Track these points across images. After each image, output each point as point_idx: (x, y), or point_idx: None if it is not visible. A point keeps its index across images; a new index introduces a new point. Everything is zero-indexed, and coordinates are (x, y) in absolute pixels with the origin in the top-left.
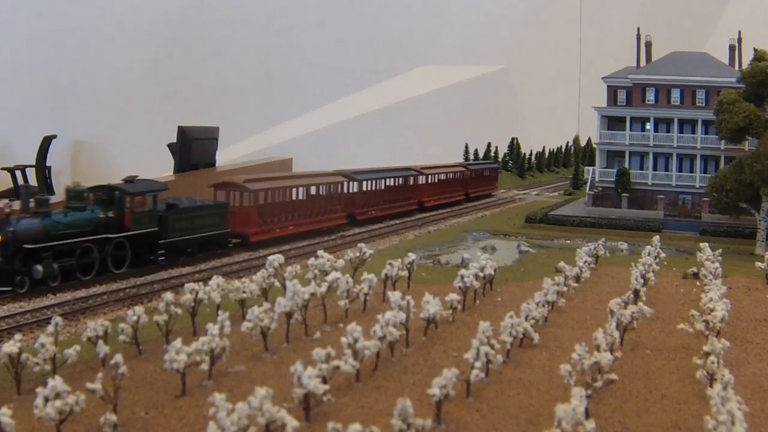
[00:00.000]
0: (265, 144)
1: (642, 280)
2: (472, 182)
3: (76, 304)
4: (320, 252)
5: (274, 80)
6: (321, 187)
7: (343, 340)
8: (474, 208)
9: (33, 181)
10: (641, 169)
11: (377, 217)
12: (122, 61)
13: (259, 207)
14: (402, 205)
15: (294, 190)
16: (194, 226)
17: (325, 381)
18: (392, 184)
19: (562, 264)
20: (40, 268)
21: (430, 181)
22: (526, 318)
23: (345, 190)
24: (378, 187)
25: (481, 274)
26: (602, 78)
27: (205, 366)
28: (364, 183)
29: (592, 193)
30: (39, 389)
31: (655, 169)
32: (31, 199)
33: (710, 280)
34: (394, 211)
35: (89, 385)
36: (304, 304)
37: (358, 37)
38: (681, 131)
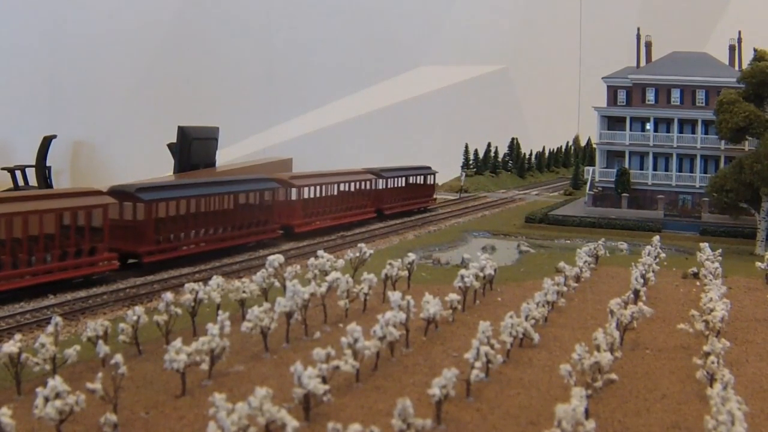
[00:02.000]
0: (265, 144)
1: (642, 280)
2: (389, 195)
3: (76, 304)
4: (320, 252)
5: (274, 80)
6: (66, 214)
7: (343, 340)
8: (474, 209)
9: (33, 181)
10: (641, 169)
11: (206, 252)
12: (122, 61)
13: None
14: (254, 232)
15: (5, 220)
16: None
17: (325, 381)
18: (243, 201)
19: (562, 264)
20: None
21: (308, 195)
22: (526, 318)
23: (129, 217)
24: (205, 208)
25: (481, 274)
26: (602, 78)
27: (205, 366)
28: (171, 204)
29: (592, 193)
30: (39, 389)
31: (655, 169)
32: None
33: (710, 280)
34: (240, 242)
35: (89, 385)
36: (304, 304)
37: (359, 37)
38: (681, 131)
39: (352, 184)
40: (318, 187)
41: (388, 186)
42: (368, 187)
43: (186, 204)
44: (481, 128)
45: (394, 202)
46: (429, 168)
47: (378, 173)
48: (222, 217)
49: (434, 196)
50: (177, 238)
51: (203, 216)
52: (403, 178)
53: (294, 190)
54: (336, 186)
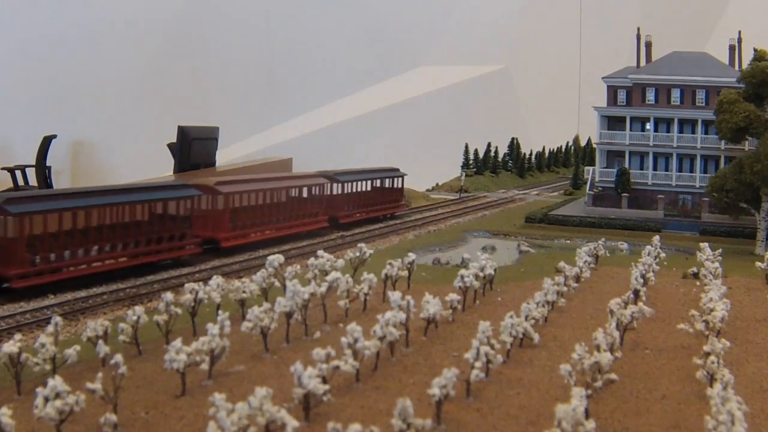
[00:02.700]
0: (265, 144)
1: (642, 280)
2: (345, 201)
3: (76, 304)
4: (320, 252)
5: (274, 80)
6: None
7: (343, 340)
8: (474, 209)
9: (33, 181)
10: (641, 169)
11: (101, 274)
12: (122, 60)
13: None
14: (167, 248)
15: None
16: None
17: (325, 381)
18: (153, 212)
19: (562, 264)
20: None
21: (237, 203)
22: (526, 318)
23: None
24: (98, 221)
25: (481, 274)
26: (602, 78)
27: (205, 366)
28: (51, 217)
29: (592, 193)
30: (39, 389)
31: (655, 169)
32: None
33: (710, 280)
34: (146, 260)
35: (89, 385)
36: (304, 304)
37: (359, 37)
38: (681, 131)
39: (298, 189)
40: (252, 194)
41: (345, 191)
42: (319, 192)
43: (71, 217)
44: (481, 128)
45: (351, 209)
46: (396, 170)
47: (331, 176)
48: (122, 232)
49: (403, 201)
50: (60, 258)
51: (96, 231)
52: (364, 182)
53: (220, 198)
54: (275, 192)
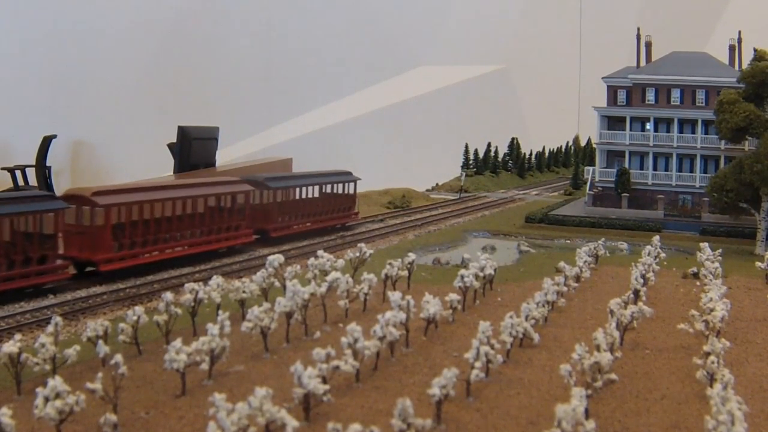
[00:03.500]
0: (265, 144)
1: (642, 280)
2: (279, 210)
3: (76, 304)
4: (320, 252)
5: (274, 80)
6: None
7: (343, 340)
8: (474, 209)
9: (33, 181)
10: (641, 169)
11: None
12: (122, 60)
13: None
14: (18, 275)
15: None
16: None
17: (325, 381)
18: (18, 228)
19: (562, 264)
20: None
21: (123, 218)
22: (526, 318)
23: None
24: None
25: (481, 274)
26: (602, 78)
27: (205, 366)
28: None
29: (592, 193)
30: (39, 389)
31: (655, 169)
32: None
33: (710, 280)
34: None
35: (89, 385)
36: (304, 304)
37: (358, 37)
38: (681, 131)
39: (214, 198)
40: (144, 206)
41: (277, 199)
42: (242, 201)
43: None
44: (481, 128)
45: (287, 219)
46: (348, 174)
47: (260, 182)
48: None
49: (356, 210)
50: None
51: None
52: (304, 188)
53: (99, 211)
54: (178, 203)
